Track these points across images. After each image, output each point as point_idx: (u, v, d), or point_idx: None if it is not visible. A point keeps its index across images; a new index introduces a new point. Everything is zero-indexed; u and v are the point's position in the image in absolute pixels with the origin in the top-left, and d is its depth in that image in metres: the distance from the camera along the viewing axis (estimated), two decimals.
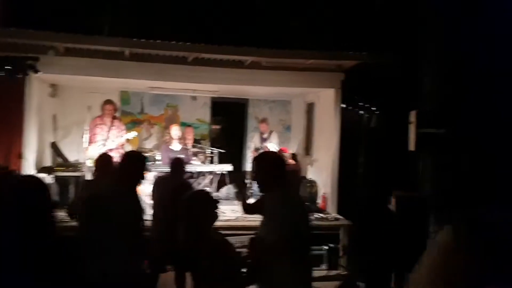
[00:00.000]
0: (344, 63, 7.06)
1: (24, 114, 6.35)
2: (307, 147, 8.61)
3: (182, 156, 6.79)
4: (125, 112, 8.82)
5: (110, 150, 6.74)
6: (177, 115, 9.01)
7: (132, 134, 6.88)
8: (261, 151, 7.74)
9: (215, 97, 9.00)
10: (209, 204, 2.73)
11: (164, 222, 4.61)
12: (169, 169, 5.42)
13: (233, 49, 6.52)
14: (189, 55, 6.52)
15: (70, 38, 6.03)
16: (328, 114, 7.44)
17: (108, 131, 6.85)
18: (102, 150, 6.68)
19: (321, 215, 6.67)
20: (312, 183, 7.92)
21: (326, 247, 6.23)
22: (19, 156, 6.26)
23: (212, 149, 7.70)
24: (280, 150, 6.02)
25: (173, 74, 6.71)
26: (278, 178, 2.93)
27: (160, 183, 5.24)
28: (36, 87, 7.13)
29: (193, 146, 7.86)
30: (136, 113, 8.87)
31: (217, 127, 9.83)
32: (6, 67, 4.84)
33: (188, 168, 6.44)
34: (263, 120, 8.00)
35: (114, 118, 6.95)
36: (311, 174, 8.32)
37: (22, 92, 6.30)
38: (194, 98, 8.93)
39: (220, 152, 7.91)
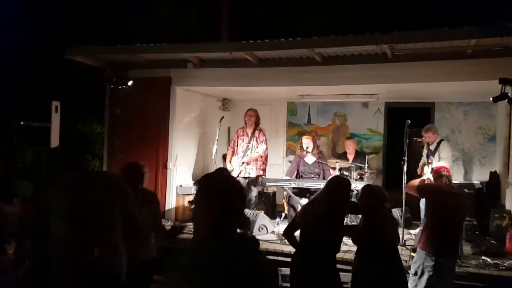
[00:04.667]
0: None
1: (169, 127, 6.71)
2: (507, 164, 6.25)
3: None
4: (292, 123, 8.41)
5: (247, 163, 6.48)
6: (345, 125, 8.01)
7: (262, 148, 6.43)
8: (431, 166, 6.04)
9: (390, 102, 7.61)
10: None
11: None
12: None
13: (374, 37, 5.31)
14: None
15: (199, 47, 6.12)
16: None
17: (249, 142, 6.59)
18: (240, 161, 6.50)
19: (488, 259, 4.62)
20: (504, 214, 5.68)
21: None
22: (164, 166, 6.67)
23: (358, 165, 6.40)
24: (438, 169, 4.27)
25: (302, 77, 5.98)
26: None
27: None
28: (203, 101, 7.58)
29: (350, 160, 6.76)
30: (303, 124, 8.31)
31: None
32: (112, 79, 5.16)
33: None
34: (428, 129, 6.15)
35: (255, 128, 6.62)
36: (508, 200, 6.02)
37: (168, 106, 6.71)
38: (365, 105, 7.76)
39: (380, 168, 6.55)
